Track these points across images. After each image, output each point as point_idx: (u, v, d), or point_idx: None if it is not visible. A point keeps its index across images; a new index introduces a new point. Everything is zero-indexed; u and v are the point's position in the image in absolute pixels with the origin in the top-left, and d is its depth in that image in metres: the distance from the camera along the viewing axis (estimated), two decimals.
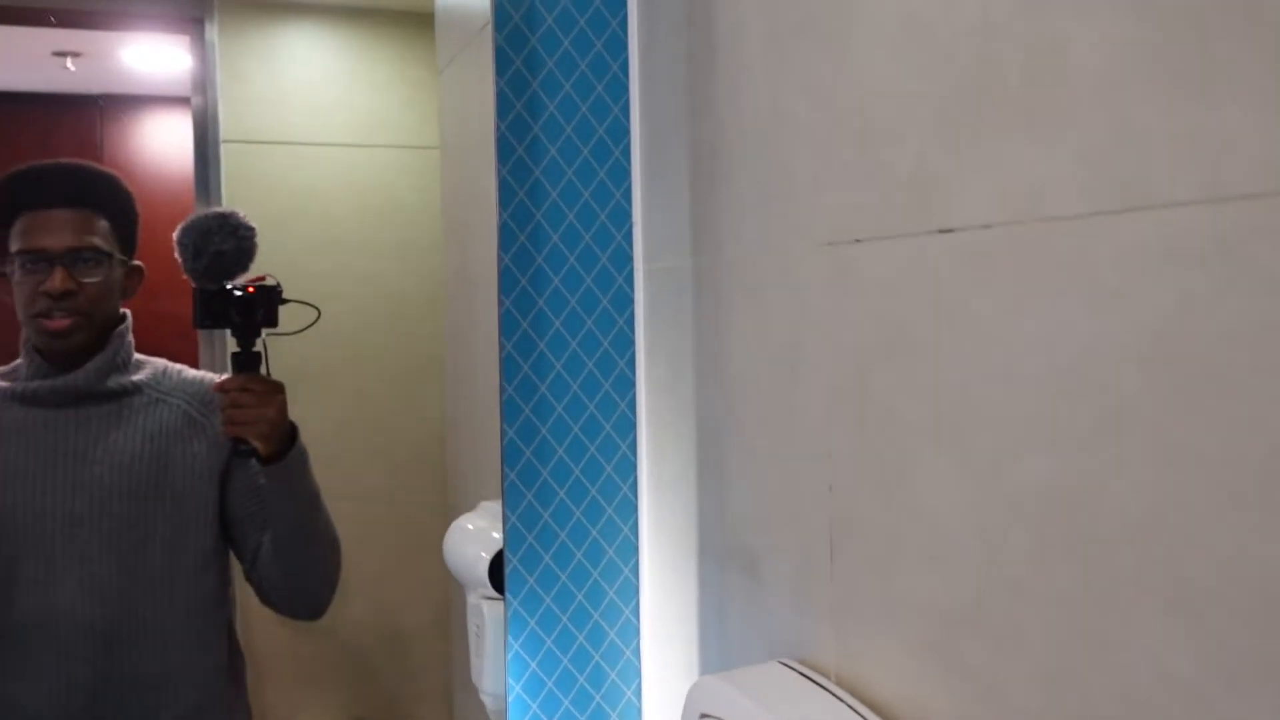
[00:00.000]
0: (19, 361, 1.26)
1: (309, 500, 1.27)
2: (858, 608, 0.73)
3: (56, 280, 1.20)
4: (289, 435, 1.24)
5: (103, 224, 1.25)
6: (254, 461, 1.25)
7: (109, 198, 1.27)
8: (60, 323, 1.21)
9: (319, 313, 1.24)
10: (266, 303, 1.19)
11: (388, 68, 2.25)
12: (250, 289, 1.19)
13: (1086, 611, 0.54)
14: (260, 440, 1.21)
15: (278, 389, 1.22)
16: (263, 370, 1.22)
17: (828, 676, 0.75)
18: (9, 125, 2.90)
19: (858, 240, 0.72)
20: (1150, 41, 0.50)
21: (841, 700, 0.70)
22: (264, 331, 1.21)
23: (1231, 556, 0.46)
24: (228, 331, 1.21)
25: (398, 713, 2.16)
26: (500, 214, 1.04)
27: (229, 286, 1.18)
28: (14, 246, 1.21)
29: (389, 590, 2.12)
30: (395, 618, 2.16)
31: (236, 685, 1.37)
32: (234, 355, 1.21)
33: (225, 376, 1.22)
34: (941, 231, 0.63)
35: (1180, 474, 0.48)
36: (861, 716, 0.67)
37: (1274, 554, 0.44)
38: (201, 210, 1.19)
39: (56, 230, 1.21)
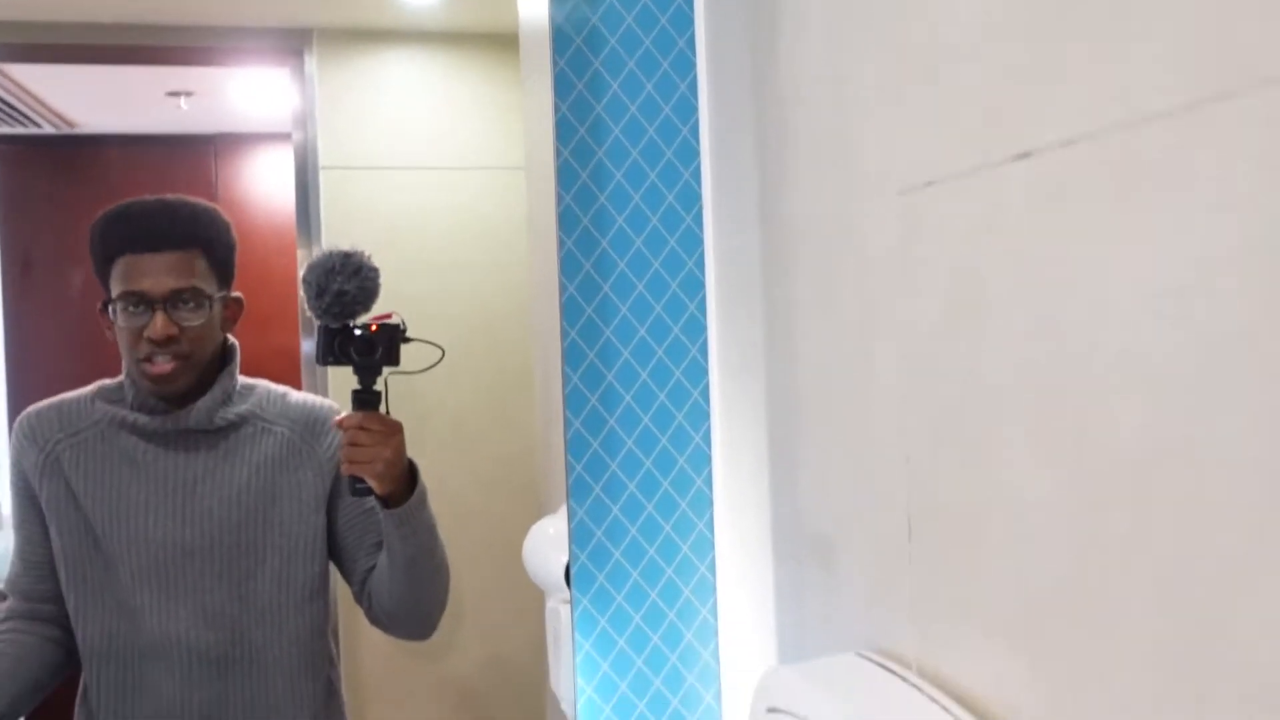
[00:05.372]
0: (123, 380, 1.26)
1: (427, 535, 1.26)
2: (939, 594, 0.66)
3: (158, 326, 1.20)
4: (408, 473, 1.22)
5: (202, 263, 1.24)
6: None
7: (207, 235, 1.26)
8: (164, 368, 1.21)
9: (443, 352, 1.21)
10: (388, 341, 1.17)
11: (476, 90, 2.26)
12: (373, 327, 1.17)
13: (1200, 582, 0.46)
14: (376, 479, 1.19)
15: (395, 429, 1.19)
16: (382, 409, 1.19)
17: (909, 668, 0.68)
18: (129, 168, 3.05)
19: (930, 183, 0.65)
20: None
21: (922, 691, 0.63)
22: (385, 370, 1.19)
23: None
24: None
25: None
26: (561, 199, 1.00)
27: (351, 325, 1.17)
28: (115, 290, 1.21)
29: (491, 611, 2.09)
30: (498, 639, 2.13)
31: (339, 705, 1.38)
32: (355, 393, 1.19)
33: (344, 414, 1.20)
34: (1019, 157, 0.57)
35: None
36: (943, 708, 0.60)
37: None
38: (327, 249, 1.18)
39: (156, 274, 1.21)
